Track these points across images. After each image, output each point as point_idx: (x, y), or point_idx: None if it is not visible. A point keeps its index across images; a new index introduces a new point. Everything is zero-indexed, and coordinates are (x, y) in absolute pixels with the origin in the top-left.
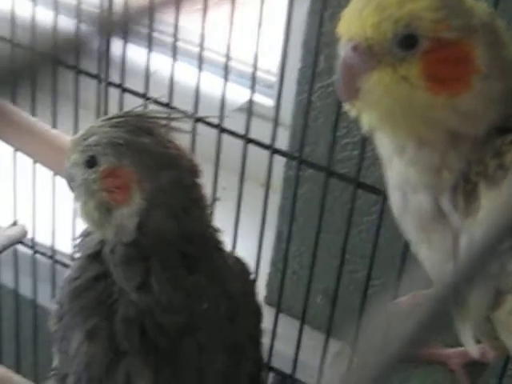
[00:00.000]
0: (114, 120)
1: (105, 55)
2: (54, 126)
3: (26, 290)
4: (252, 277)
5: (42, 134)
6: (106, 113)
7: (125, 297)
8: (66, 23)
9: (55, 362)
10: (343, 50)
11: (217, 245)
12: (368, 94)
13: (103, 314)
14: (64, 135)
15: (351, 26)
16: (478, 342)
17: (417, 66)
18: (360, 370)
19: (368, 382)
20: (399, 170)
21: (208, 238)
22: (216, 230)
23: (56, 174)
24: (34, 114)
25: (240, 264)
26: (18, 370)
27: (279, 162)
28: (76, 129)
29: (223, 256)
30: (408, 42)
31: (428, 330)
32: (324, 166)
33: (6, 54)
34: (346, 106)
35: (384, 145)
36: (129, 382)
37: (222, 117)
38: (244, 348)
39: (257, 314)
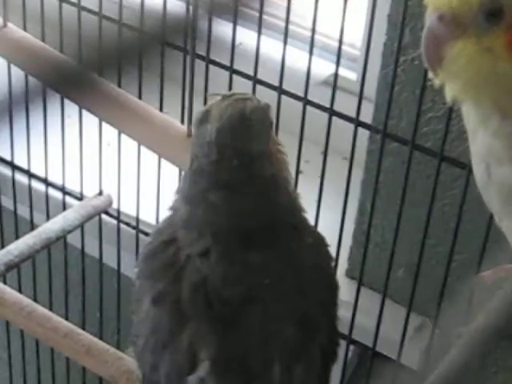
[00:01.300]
0: None
1: (191, 28)
2: (140, 98)
3: (110, 259)
4: (330, 252)
5: (130, 107)
6: (191, 86)
7: (191, 263)
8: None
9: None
10: (429, 20)
11: (293, 220)
12: (452, 63)
13: (171, 278)
14: (151, 108)
15: None
16: None
17: (501, 37)
18: (442, 345)
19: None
20: (484, 142)
21: (282, 214)
22: (296, 206)
23: (141, 144)
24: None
25: (318, 239)
26: (101, 337)
27: (363, 135)
28: (161, 103)
29: (300, 231)
30: (493, 14)
31: None
32: (408, 140)
33: (113, 35)
34: (431, 75)
35: (469, 116)
36: (193, 347)
37: (306, 89)
38: (316, 321)
39: (332, 288)
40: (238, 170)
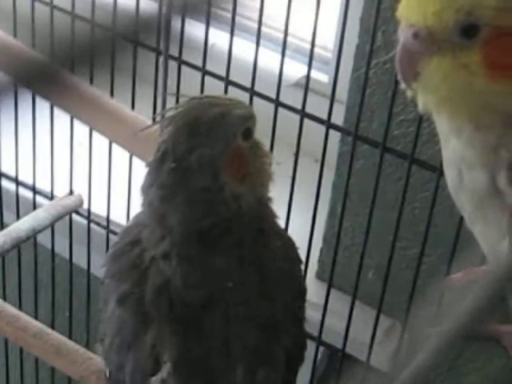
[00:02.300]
0: None
1: (165, 28)
2: (112, 97)
3: (80, 259)
4: (299, 255)
5: (102, 104)
6: (164, 87)
7: (155, 265)
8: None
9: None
10: (403, 36)
11: (259, 225)
12: (427, 80)
13: (135, 279)
14: (123, 107)
15: (412, 11)
16: None
17: (477, 53)
18: (411, 346)
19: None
20: (456, 149)
21: (246, 217)
22: (262, 211)
23: (113, 143)
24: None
25: (287, 243)
26: (70, 337)
27: (334, 138)
28: (133, 102)
29: (266, 235)
30: (469, 30)
31: (484, 307)
32: (379, 142)
33: (86, 34)
34: (404, 87)
35: (441, 125)
36: (155, 348)
37: (278, 91)
38: (281, 324)
39: (299, 292)
40: (175, 173)
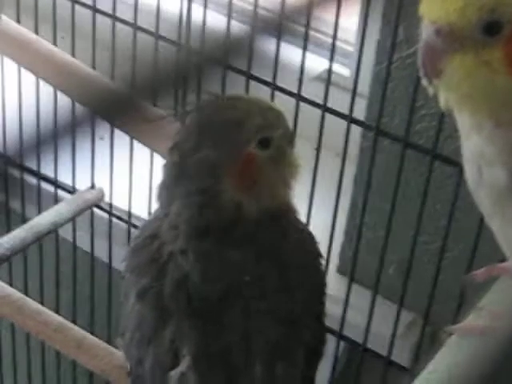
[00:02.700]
0: None
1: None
2: None
3: (101, 253)
4: (318, 249)
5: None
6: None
7: (174, 259)
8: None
9: None
10: (426, 32)
11: (278, 219)
12: (450, 77)
13: (154, 274)
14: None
15: (434, 8)
16: None
17: (499, 51)
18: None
19: None
20: (476, 145)
21: (268, 213)
22: (281, 206)
23: (134, 139)
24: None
25: (306, 237)
26: (92, 332)
27: (356, 132)
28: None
29: (285, 229)
30: (492, 28)
31: None
32: (401, 137)
33: (172, 56)
34: (426, 85)
35: (462, 121)
36: (175, 343)
37: (300, 85)
38: (300, 319)
39: (319, 286)
40: (177, 169)
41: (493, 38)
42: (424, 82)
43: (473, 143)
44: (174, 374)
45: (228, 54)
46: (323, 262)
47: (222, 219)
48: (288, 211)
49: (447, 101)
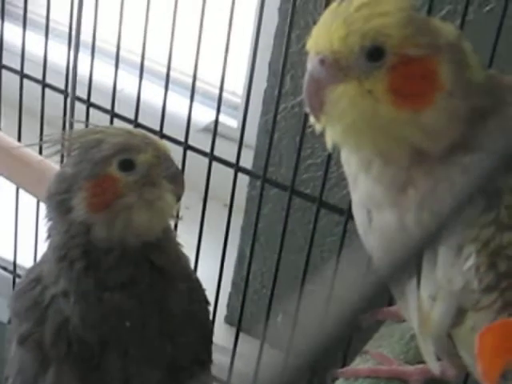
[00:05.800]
0: None
1: (72, 71)
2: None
3: None
4: (206, 296)
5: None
6: (71, 128)
7: (55, 303)
8: None
9: None
10: (311, 64)
11: (158, 262)
12: (333, 107)
13: (36, 319)
14: (31, 152)
15: (319, 40)
16: (439, 359)
17: (382, 80)
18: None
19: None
20: (365, 188)
21: (154, 258)
22: (170, 256)
23: (20, 188)
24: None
25: (193, 285)
26: None
27: (243, 182)
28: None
29: (170, 279)
30: (375, 54)
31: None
32: (288, 186)
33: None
34: (312, 121)
35: (350, 162)
36: None
37: (187, 134)
38: (184, 365)
39: (204, 334)
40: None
41: (376, 64)
42: (311, 118)
43: (361, 185)
44: None
45: None
46: (210, 310)
47: (74, 243)
48: (172, 256)
49: (333, 137)
